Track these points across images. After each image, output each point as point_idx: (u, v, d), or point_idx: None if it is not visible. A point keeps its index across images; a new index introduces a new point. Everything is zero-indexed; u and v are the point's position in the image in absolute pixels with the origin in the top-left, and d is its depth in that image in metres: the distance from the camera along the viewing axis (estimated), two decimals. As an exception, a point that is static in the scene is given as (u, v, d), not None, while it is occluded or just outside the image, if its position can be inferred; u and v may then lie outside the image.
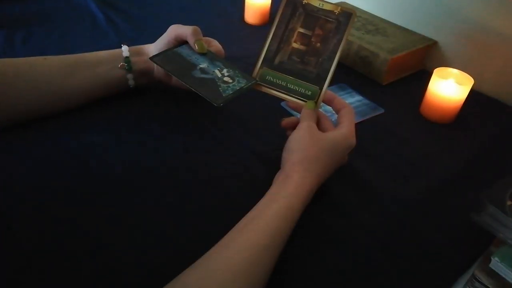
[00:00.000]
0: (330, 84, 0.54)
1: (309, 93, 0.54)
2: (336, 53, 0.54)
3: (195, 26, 0.60)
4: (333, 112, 0.54)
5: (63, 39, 0.82)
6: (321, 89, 0.54)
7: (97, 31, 0.87)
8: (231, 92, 0.53)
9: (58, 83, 0.57)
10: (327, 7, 0.55)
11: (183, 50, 0.60)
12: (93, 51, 0.61)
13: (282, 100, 0.59)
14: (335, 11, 0.55)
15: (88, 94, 0.60)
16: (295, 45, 0.55)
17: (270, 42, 0.56)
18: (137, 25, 0.91)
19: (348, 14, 0.54)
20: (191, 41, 0.59)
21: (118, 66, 0.60)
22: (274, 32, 0.56)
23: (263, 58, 0.56)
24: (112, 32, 0.87)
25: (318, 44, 0.55)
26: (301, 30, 0.55)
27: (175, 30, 0.60)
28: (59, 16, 0.92)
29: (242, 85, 0.54)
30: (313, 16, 0.55)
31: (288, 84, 0.55)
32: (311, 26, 0.55)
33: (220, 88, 0.54)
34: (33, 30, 0.83)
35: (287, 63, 0.55)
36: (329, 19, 0.55)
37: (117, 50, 0.61)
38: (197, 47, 0.58)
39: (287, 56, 0.55)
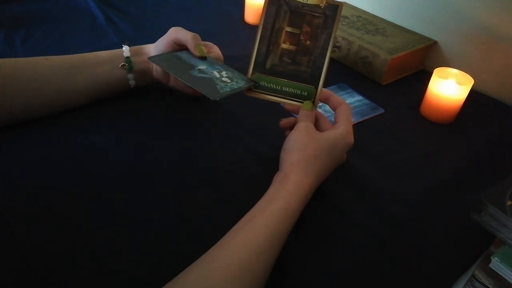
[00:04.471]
0: (326, 81, 0.53)
1: (305, 93, 0.53)
2: (327, 49, 0.53)
3: (195, 33, 0.60)
4: (333, 112, 0.54)
5: (63, 39, 0.82)
6: (316, 88, 0.53)
7: (97, 31, 0.87)
8: (228, 90, 0.52)
9: (59, 83, 0.57)
10: (312, 1, 0.52)
11: (183, 54, 0.60)
12: (93, 51, 0.62)
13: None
14: (320, 4, 0.52)
15: (89, 94, 0.60)
16: (284, 45, 0.54)
17: (258, 45, 0.54)
18: (137, 25, 0.91)
19: (334, 7, 0.52)
20: (191, 45, 0.59)
21: (119, 66, 0.61)
22: (261, 34, 0.54)
23: (254, 64, 0.54)
24: (112, 32, 0.87)
25: (308, 42, 0.53)
26: (289, 29, 0.53)
27: (176, 33, 0.60)
28: (59, 16, 0.92)
29: (241, 85, 0.53)
30: (299, 13, 0.53)
31: (283, 88, 0.54)
32: (298, 24, 0.53)
33: (217, 86, 0.52)
34: (33, 30, 0.83)
35: (278, 65, 0.54)
36: (315, 14, 0.52)
37: (118, 50, 0.61)
38: (197, 51, 0.58)
39: (277, 58, 0.54)
